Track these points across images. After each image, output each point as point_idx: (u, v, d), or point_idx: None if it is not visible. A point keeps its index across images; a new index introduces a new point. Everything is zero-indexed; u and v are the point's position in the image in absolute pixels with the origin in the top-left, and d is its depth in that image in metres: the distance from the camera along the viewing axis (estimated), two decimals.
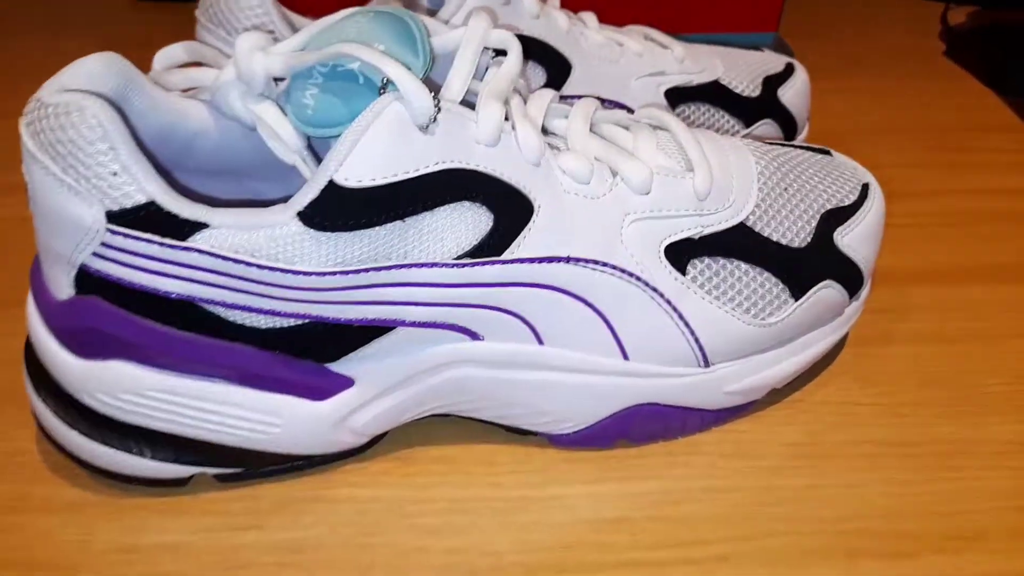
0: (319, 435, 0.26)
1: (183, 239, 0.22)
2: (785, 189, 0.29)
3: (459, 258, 0.24)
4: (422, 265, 0.23)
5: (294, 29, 0.32)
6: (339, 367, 0.25)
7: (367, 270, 0.23)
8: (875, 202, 0.30)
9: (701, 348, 0.27)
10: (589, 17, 0.38)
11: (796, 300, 0.28)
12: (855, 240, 0.29)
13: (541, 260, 0.25)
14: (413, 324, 0.25)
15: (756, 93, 0.39)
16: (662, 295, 0.26)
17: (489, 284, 0.24)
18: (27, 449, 0.28)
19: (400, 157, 0.22)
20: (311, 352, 0.25)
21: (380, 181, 0.22)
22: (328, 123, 0.24)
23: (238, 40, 0.24)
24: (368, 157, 0.22)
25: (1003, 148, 0.48)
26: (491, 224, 0.24)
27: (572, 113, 0.27)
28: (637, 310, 0.26)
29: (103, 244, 0.22)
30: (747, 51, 0.42)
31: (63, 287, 0.23)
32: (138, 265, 0.22)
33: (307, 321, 0.24)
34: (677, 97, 0.37)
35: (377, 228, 0.23)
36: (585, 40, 0.35)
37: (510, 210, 0.24)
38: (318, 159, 0.26)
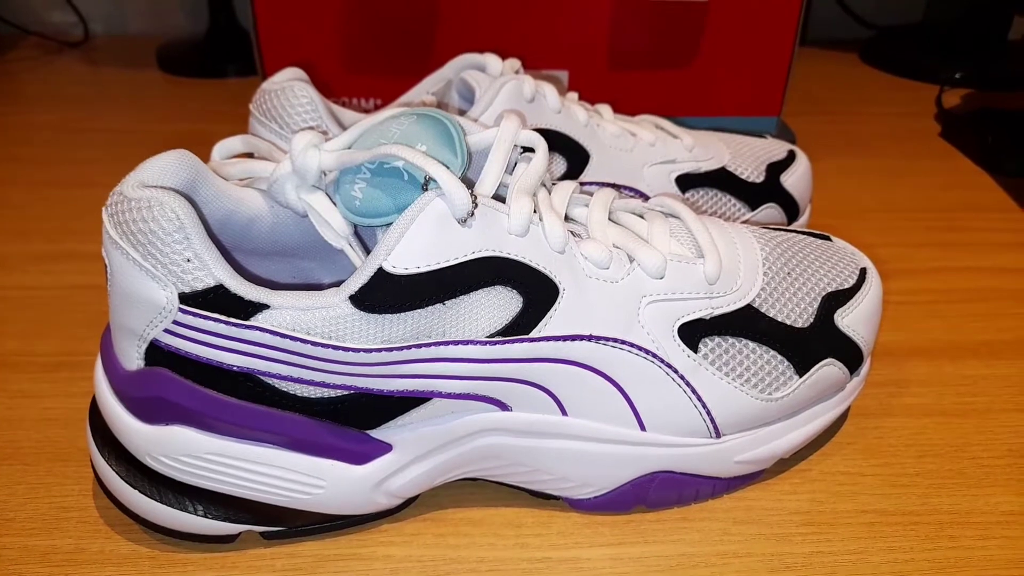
0: (358, 496, 0.28)
1: (246, 318, 0.24)
2: (788, 273, 0.32)
3: (492, 336, 0.26)
4: (459, 343, 0.26)
5: (339, 122, 0.35)
6: (379, 434, 0.28)
7: (409, 347, 0.25)
8: (873, 285, 0.33)
9: (712, 420, 0.29)
10: (605, 109, 0.41)
11: (800, 376, 0.30)
12: (854, 321, 0.31)
13: (566, 338, 0.27)
14: (448, 395, 0.27)
15: (760, 179, 0.42)
16: (676, 371, 0.28)
17: (518, 360, 0.27)
18: (84, 505, 0.30)
19: (441, 247, 0.25)
20: (354, 420, 0.27)
21: (424, 268, 0.25)
22: (374, 214, 0.26)
23: (295, 138, 0.27)
24: (413, 247, 0.25)
25: (997, 227, 0.51)
26: (521, 306, 0.26)
27: (592, 203, 0.30)
28: (653, 385, 0.28)
29: (175, 322, 0.25)
30: (751, 138, 0.45)
31: (132, 359, 0.26)
32: (205, 341, 0.25)
33: (352, 392, 0.26)
34: (687, 183, 0.40)
35: (420, 310, 0.25)
36: (602, 131, 0.39)
37: (538, 293, 0.27)
38: (363, 244, 0.29)
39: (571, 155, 0.37)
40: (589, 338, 0.27)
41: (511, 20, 0.53)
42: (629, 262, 0.28)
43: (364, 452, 0.28)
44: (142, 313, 0.25)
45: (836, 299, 0.32)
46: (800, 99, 0.70)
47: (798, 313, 0.31)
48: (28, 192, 0.55)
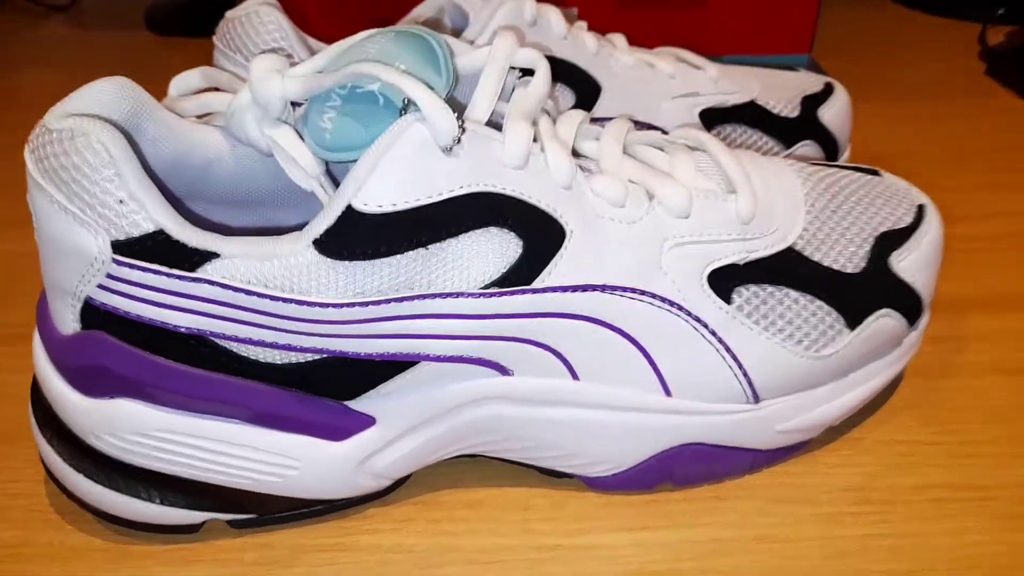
0: (338, 478, 0.24)
1: (193, 269, 0.21)
2: (835, 211, 0.27)
3: (486, 287, 0.22)
4: (447, 295, 0.22)
5: (312, 53, 0.31)
6: (359, 405, 0.24)
7: (388, 301, 0.21)
8: (932, 224, 0.28)
9: (750, 383, 0.25)
10: (618, 39, 0.36)
11: (852, 330, 0.26)
12: (913, 265, 0.27)
13: (574, 289, 0.23)
14: (437, 358, 0.23)
15: (795, 113, 0.37)
16: (706, 326, 0.24)
17: (519, 315, 0.23)
18: (34, 492, 0.27)
19: (422, 180, 0.21)
20: (329, 389, 0.23)
21: (401, 206, 0.21)
22: (347, 147, 0.22)
23: (253, 62, 0.23)
24: (388, 181, 0.20)
25: None
26: (520, 251, 0.22)
27: (604, 134, 0.26)
28: (680, 342, 0.24)
29: (109, 276, 0.21)
30: (783, 71, 0.40)
31: (68, 321, 0.22)
32: (145, 298, 0.21)
33: (325, 356, 0.22)
34: (712, 118, 0.36)
35: (398, 256, 0.21)
36: (615, 61, 0.34)
37: (540, 236, 0.22)
38: (337, 185, 0.25)
39: (580, 87, 0.33)
40: (602, 288, 0.23)
41: None
42: (648, 199, 0.24)
43: (343, 426, 0.24)
44: (72, 266, 0.21)
45: (891, 240, 0.27)
46: (830, 44, 0.64)
47: (847, 256, 0.26)
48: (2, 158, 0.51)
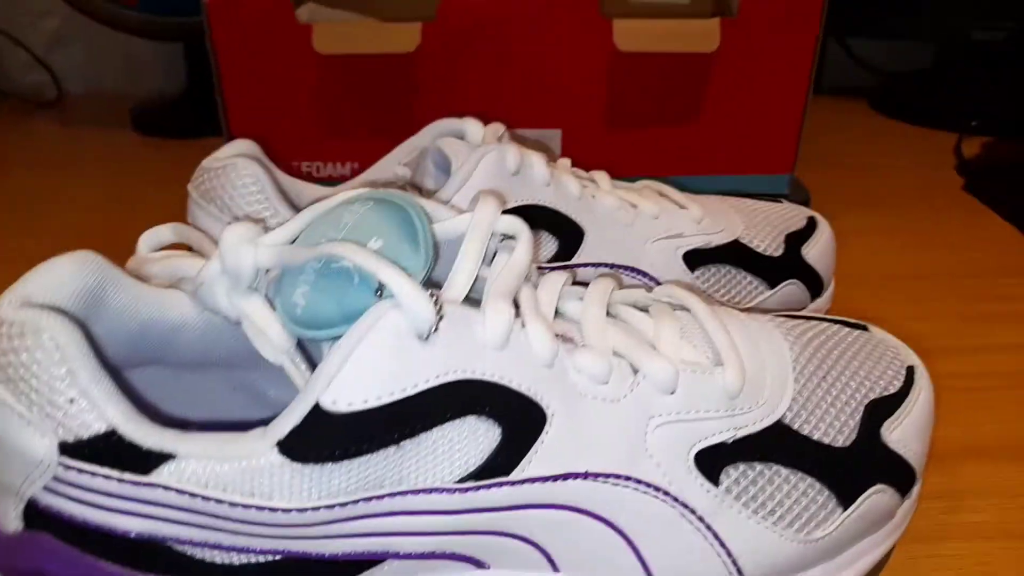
0: None
1: (147, 472, 0.19)
2: (823, 377, 0.26)
3: (462, 480, 0.21)
4: (419, 491, 0.21)
5: (291, 203, 0.30)
6: None
7: (356, 501, 0.20)
8: (923, 388, 0.27)
9: (739, 570, 0.24)
10: (602, 177, 0.36)
11: (844, 509, 0.24)
12: (905, 434, 0.26)
13: (555, 478, 0.22)
14: (408, 556, 0.21)
15: (779, 252, 0.37)
16: (693, 511, 0.23)
17: (496, 508, 0.21)
18: None
19: (396, 374, 0.20)
20: None
21: (373, 403, 0.19)
22: (319, 324, 0.21)
23: (225, 233, 0.22)
24: (360, 377, 0.19)
25: None
26: (499, 439, 0.21)
27: (587, 296, 0.25)
28: (665, 529, 0.23)
29: (55, 478, 0.19)
30: (766, 204, 0.40)
31: (10, 519, 0.21)
32: (93, 502, 0.19)
33: (284, 557, 0.21)
34: (696, 260, 0.35)
35: (369, 455, 0.20)
36: (598, 204, 0.34)
37: (520, 421, 0.21)
38: (309, 359, 0.24)
39: (563, 233, 0.32)
40: (584, 475, 0.22)
41: (499, 76, 0.48)
42: (633, 374, 0.23)
43: None
44: (16, 467, 0.20)
45: (881, 408, 0.26)
46: (810, 152, 0.65)
47: (837, 428, 0.25)
48: None
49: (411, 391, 0.20)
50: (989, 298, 0.45)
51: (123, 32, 0.71)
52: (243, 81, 0.49)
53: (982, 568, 0.28)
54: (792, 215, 0.39)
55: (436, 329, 0.20)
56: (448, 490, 0.21)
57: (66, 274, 0.21)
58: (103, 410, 0.19)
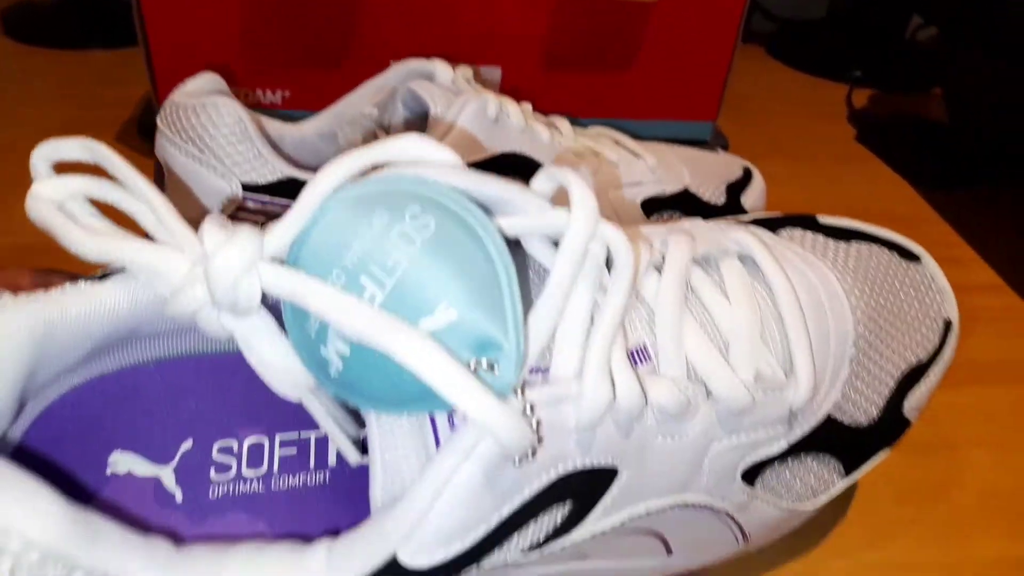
0: None
1: None
2: (877, 342, 0.24)
3: (527, 550, 0.19)
4: None
5: (272, 142, 0.29)
6: None
7: None
8: (949, 348, 0.26)
9: (745, 536, 0.24)
10: (562, 123, 0.37)
11: (846, 475, 0.25)
12: (920, 401, 0.25)
13: (612, 523, 0.20)
14: None
15: (722, 201, 0.40)
16: (727, 513, 0.23)
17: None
18: None
19: (486, 510, 0.17)
20: None
21: (458, 548, 0.17)
22: (363, 395, 0.16)
23: (213, 260, 0.16)
24: (445, 527, 0.16)
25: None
26: (569, 510, 0.19)
27: (665, 279, 0.20)
28: (693, 526, 0.22)
29: None
30: (705, 154, 0.43)
31: None
32: None
33: None
34: (652, 207, 0.37)
35: None
36: (565, 152, 0.35)
37: (592, 487, 0.19)
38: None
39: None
40: (642, 516, 0.20)
41: (441, 11, 0.47)
42: (706, 399, 0.20)
43: None
44: None
45: (910, 378, 0.25)
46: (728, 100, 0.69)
47: (866, 407, 0.24)
48: None
49: (498, 518, 0.17)
50: None
51: None
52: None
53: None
54: (730, 165, 0.42)
55: (535, 452, 0.17)
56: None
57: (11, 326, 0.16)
58: None
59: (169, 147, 0.28)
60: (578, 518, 0.19)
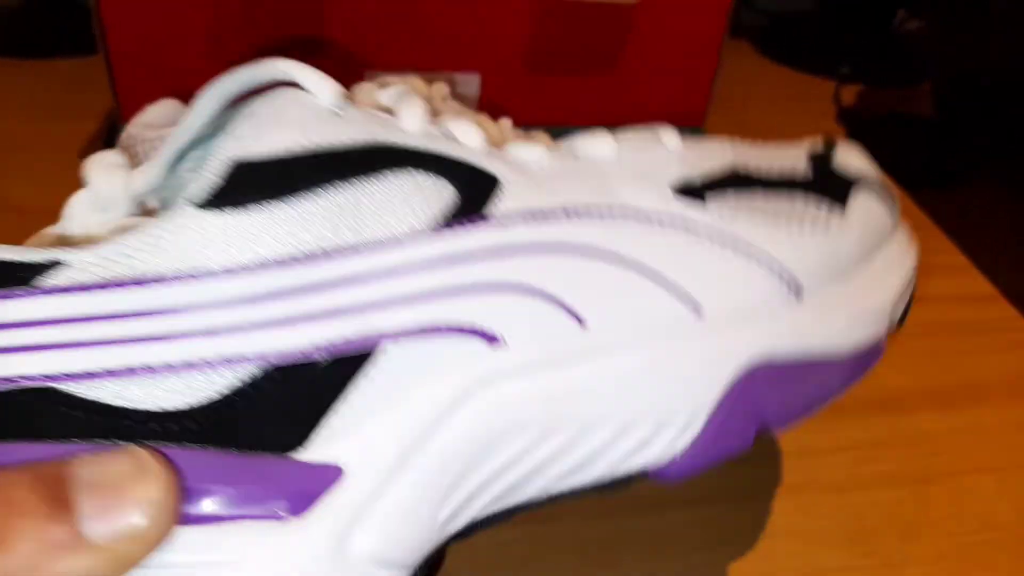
0: None
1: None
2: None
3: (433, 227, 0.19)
4: (391, 242, 0.18)
5: None
6: (310, 454, 0.17)
7: (309, 257, 0.17)
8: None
9: (780, 272, 0.22)
10: (543, 137, 0.36)
11: (843, 205, 0.24)
12: (846, 158, 0.27)
13: (535, 215, 0.20)
14: (400, 334, 0.18)
15: None
16: (703, 228, 0.22)
17: (483, 256, 0.19)
18: None
19: (318, 128, 0.19)
20: (260, 436, 0.17)
21: (298, 150, 0.18)
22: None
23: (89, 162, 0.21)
24: (276, 129, 0.18)
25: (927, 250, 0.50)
26: (454, 193, 0.19)
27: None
28: (685, 254, 0.21)
29: None
30: None
31: None
32: None
33: (241, 377, 0.17)
34: None
35: (307, 199, 0.18)
36: None
37: (470, 181, 0.20)
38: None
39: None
40: (564, 212, 0.20)
41: (418, 18, 0.46)
42: (575, 159, 0.23)
43: (297, 490, 0.17)
44: None
45: (826, 150, 0.27)
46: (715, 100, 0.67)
47: (789, 168, 0.25)
48: None
49: (336, 145, 0.19)
50: None
51: None
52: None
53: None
54: None
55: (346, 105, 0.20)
56: (424, 233, 0.19)
57: None
58: None
59: None
60: (475, 204, 0.20)
